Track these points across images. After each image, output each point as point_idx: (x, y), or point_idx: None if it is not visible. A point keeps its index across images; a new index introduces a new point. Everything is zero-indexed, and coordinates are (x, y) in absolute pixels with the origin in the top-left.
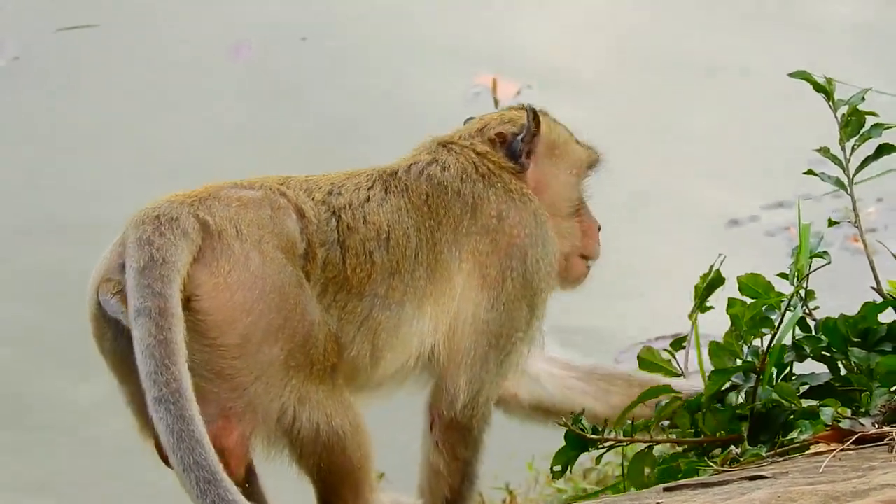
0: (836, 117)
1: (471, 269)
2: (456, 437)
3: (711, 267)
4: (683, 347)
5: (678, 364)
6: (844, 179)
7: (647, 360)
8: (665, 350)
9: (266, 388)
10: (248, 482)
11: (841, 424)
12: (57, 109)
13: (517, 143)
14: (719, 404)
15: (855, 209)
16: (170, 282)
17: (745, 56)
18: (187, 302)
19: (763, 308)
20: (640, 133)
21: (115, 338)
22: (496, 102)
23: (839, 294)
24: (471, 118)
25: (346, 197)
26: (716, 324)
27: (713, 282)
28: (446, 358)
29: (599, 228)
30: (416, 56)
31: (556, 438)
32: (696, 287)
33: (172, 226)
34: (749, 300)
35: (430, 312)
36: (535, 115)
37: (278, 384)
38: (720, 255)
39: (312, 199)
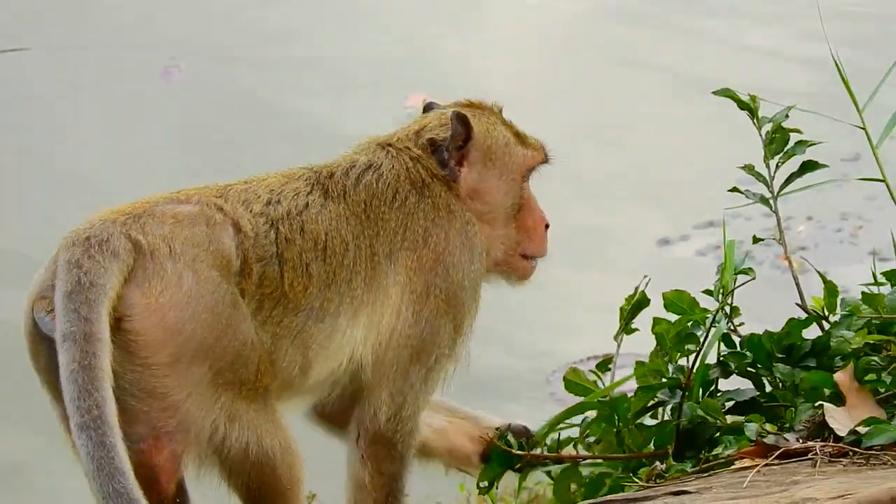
0: (760, 135)
1: (403, 282)
2: (381, 451)
3: (637, 288)
4: (609, 369)
5: (604, 384)
6: (770, 197)
7: (573, 381)
8: (591, 371)
9: (197, 406)
10: (179, 499)
11: (765, 440)
12: None
13: (446, 152)
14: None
15: (779, 226)
16: (96, 305)
17: (676, 76)
18: (119, 322)
19: (688, 324)
20: (569, 154)
21: (49, 355)
22: None
23: (769, 311)
24: (431, 104)
25: (285, 205)
26: (647, 344)
27: (638, 303)
28: (371, 370)
29: (547, 226)
30: (348, 77)
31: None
32: (622, 309)
33: (102, 248)
34: (674, 317)
35: (364, 322)
36: (464, 123)
37: (208, 402)
38: (645, 276)
39: (251, 211)
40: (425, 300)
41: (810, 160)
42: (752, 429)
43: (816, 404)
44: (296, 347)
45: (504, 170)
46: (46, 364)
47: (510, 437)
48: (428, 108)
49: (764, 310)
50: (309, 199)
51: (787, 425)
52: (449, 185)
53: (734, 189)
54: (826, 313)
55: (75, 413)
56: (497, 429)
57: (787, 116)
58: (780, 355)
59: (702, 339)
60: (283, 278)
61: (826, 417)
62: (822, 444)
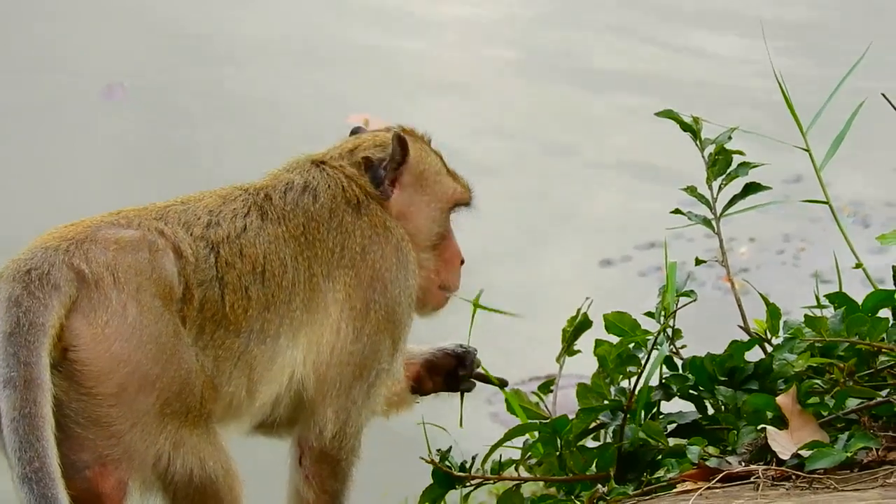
0: (702, 156)
1: (343, 300)
2: (325, 469)
3: (579, 310)
4: (551, 391)
5: (546, 407)
6: (712, 219)
7: (515, 403)
8: (533, 392)
9: (142, 435)
10: None
11: (708, 463)
12: None
13: (380, 172)
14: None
15: (722, 248)
16: (36, 348)
17: (611, 89)
18: (65, 352)
19: (630, 346)
20: (511, 174)
21: None
22: None
23: (710, 333)
24: (358, 128)
25: (224, 228)
26: (590, 366)
27: (580, 325)
28: (314, 388)
29: (462, 262)
30: (289, 96)
31: (428, 477)
32: (564, 330)
33: (43, 282)
34: (616, 338)
35: (304, 342)
36: (401, 144)
37: (154, 432)
38: (587, 298)
39: (191, 234)
40: (365, 316)
41: (753, 182)
42: (694, 452)
43: (759, 427)
44: (240, 370)
45: (433, 197)
46: None
47: (451, 459)
48: (355, 131)
49: (706, 332)
50: (247, 222)
51: (730, 448)
52: (383, 204)
53: (676, 210)
54: (769, 336)
55: (17, 464)
56: (438, 450)
57: (730, 138)
58: (722, 378)
59: (643, 362)
60: (223, 301)
61: (769, 440)
62: (765, 467)
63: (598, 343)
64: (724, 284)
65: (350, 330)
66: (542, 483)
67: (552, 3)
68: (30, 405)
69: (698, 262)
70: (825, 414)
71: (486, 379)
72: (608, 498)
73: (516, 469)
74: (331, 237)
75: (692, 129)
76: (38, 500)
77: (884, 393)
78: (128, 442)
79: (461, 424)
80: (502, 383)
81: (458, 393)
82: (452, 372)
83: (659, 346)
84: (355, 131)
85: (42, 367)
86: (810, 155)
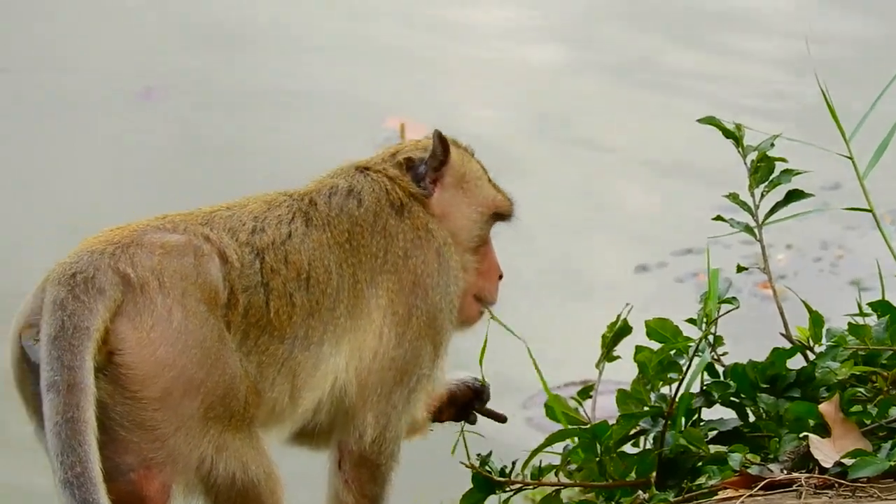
0: (745, 163)
1: (385, 305)
2: (365, 473)
3: (619, 316)
4: (590, 396)
5: (585, 412)
6: (754, 226)
7: (554, 408)
8: (572, 398)
9: (186, 439)
10: None
11: (749, 470)
12: None
13: (422, 168)
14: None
15: (764, 255)
16: (80, 352)
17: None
18: (110, 356)
19: (671, 353)
20: (544, 177)
21: (36, 383)
22: None
23: (747, 340)
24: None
25: (270, 234)
26: (627, 372)
27: (620, 331)
28: (356, 393)
29: (501, 277)
30: (326, 99)
31: (465, 482)
32: (604, 336)
33: (88, 286)
34: (657, 345)
35: (347, 349)
36: (442, 142)
37: (198, 435)
38: (627, 304)
39: (236, 240)
40: (407, 322)
41: (796, 189)
42: (735, 459)
43: (801, 435)
44: (283, 376)
45: (474, 200)
46: (33, 392)
47: (491, 464)
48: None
49: (743, 338)
50: (291, 228)
51: (771, 456)
52: (425, 205)
53: (719, 217)
54: (811, 343)
55: (59, 469)
56: (478, 455)
57: (772, 145)
58: (764, 385)
59: (685, 368)
60: (268, 307)
61: (811, 448)
62: (808, 475)
63: (639, 349)
64: (761, 291)
65: (392, 335)
66: (581, 489)
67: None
68: (73, 409)
69: (740, 269)
70: (868, 422)
71: (492, 414)
72: None
73: (556, 475)
74: (374, 242)
75: (734, 136)
76: None
77: None
78: (172, 445)
79: (453, 452)
80: (503, 419)
81: (462, 423)
82: (468, 404)
83: (701, 353)
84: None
85: (86, 371)
86: (853, 163)
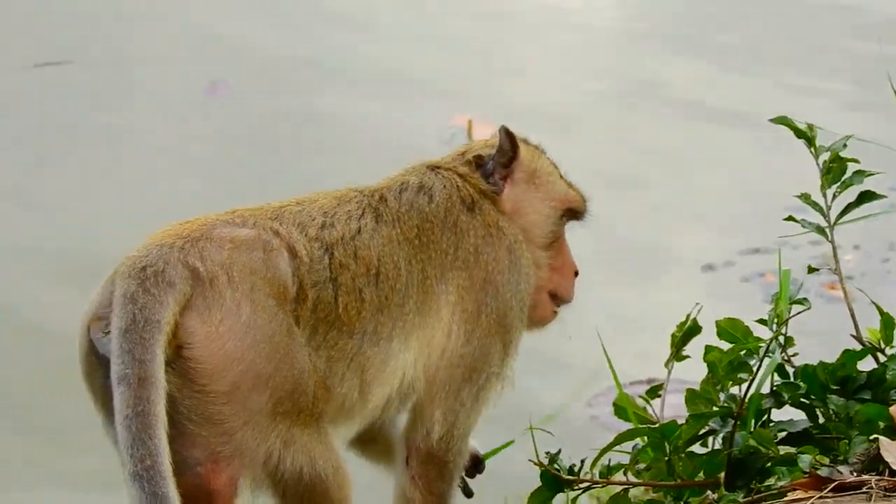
0: (817, 164)
1: (455, 301)
2: (432, 470)
3: (688, 316)
4: (659, 396)
5: (653, 411)
6: (826, 227)
7: (623, 407)
8: (640, 397)
9: (254, 433)
10: None
11: (819, 471)
12: (34, 144)
13: (490, 164)
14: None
15: (835, 256)
16: (151, 345)
17: (727, 101)
18: (179, 349)
19: (741, 353)
20: (618, 178)
21: (105, 376)
22: None
23: (814, 341)
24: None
25: (339, 230)
26: (694, 371)
27: (690, 330)
28: (424, 390)
29: (577, 273)
30: (394, 98)
31: (530, 480)
32: (673, 335)
33: (158, 279)
34: (727, 345)
35: (415, 345)
36: (510, 137)
37: (266, 430)
38: (697, 303)
39: (306, 235)
40: (477, 319)
41: (868, 191)
42: (805, 460)
43: (871, 437)
44: (352, 371)
45: (546, 195)
46: (102, 384)
47: (560, 462)
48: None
49: (811, 339)
50: (361, 224)
51: (841, 458)
52: (495, 202)
53: (790, 218)
54: (882, 345)
55: (129, 462)
56: (547, 452)
57: (844, 146)
58: (834, 387)
59: (755, 369)
60: (337, 302)
61: (881, 451)
62: (878, 477)
63: (709, 349)
64: (828, 292)
65: (461, 333)
66: (649, 488)
67: None
68: (143, 403)
69: (811, 270)
70: None
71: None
72: None
73: (624, 474)
74: (444, 238)
75: (807, 137)
76: (149, 497)
77: None
78: (239, 439)
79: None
80: (469, 494)
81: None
82: (467, 471)
83: (771, 354)
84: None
85: (157, 364)
86: None
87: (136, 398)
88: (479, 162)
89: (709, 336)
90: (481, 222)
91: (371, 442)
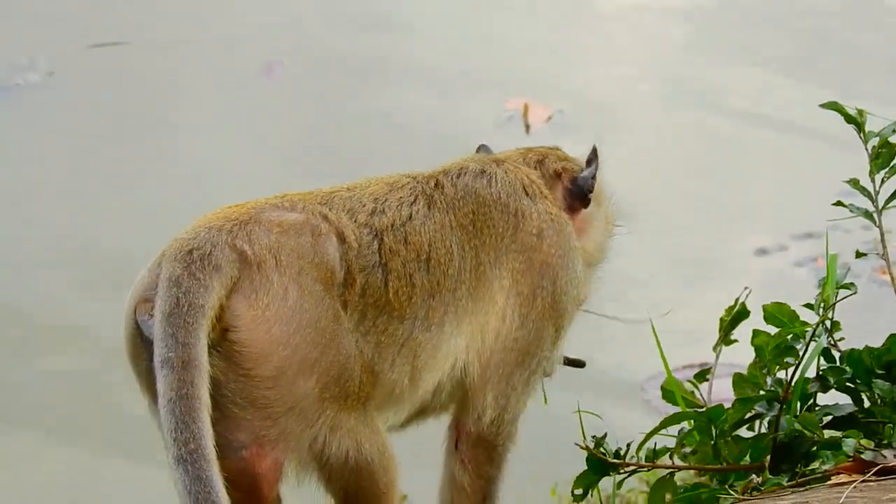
0: (866, 149)
1: (509, 285)
2: (482, 454)
3: (737, 300)
4: (707, 379)
5: (701, 395)
6: (873, 211)
7: (670, 391)
8: (689, 381)
9: (299, 418)
10: None
11: (863, 455)
12: (90, 126)
13: (590, 182)
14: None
15: (883, 241)
16: (195, 329)
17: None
18: (225, 333)
19: (788, 337)
20: (670, 161)
21: (150, 358)
22: (527, 128)
23: (865, 326)
24: (483, 146)
25: (389, 216)
26: (744, 355)
27: (738, 314)
28: (477, 374)
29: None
30: (450, 80)
31: (578, 463)
32: (721, 320)
33: (204, 262)
34: (774, 329)
35: (468, 331)
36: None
37: (312, 415)
38: (746, 287)
39: (355, 220)
40: (532, 302)
41: None
42: (849, 444)
43: None
44: (403, 357)
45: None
46: (147, 367)
47: (606, 445)
48: (480, 149)
49: (861, 324)
50: (413, 210)
51: (885, 442)
52: (553, 201)
53: (838, 202)
54: None
55: (172, 445)
56: (593, 436)
57: (894, 131)
58: (880, 371)
59: (801, 353)
60: (387, 287)
61: None
62: None
63: (756, 333)
64: (881, 277)
65: (516, 316)
66: (695, 472)
67: None
68: (187, 386)
69: (858, 255)
70: None
71: (572, 362)
72: (762, 488)
73: (670, 457)
74: (502, 221)
75: (856, 122)
76: (192, 481)
77: None
78: (284, 424)
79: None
80: (582, 364)
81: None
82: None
83: (817, 338)
84: (480, 149)
85: (200, 348)
86: None
87: (180, 381)
88: (572, 178)
89: (759, 321)
90: (544, 209)
91: None
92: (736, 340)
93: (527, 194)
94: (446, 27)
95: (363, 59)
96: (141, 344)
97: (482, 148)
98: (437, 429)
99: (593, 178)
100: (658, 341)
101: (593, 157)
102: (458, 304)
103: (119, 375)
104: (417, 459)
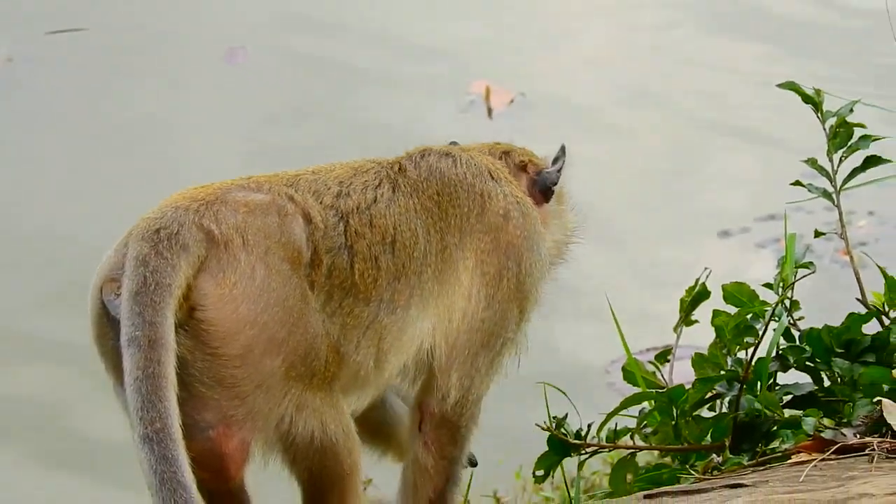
0: (824, 129)
1: (473, 266)
2: (445, 435)
3: (697, 280)
4: (668, 361)
5: (663, 376)
6: (832, 191)
7: (632, 373)
8: (650, 362)
9: (266, 397)
10: (241, 489)
11: (823, 434)
12: (49, 112)
13: (552, 174)
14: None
15: (841, 221)
16: (161, 308)
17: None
18: (192, 312)
19: (747, 317)
20: (632, 143)
21: (116, 338)
22: (489, 111)
23: (827, 306)
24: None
25: (355, 199)
26: (706, 338)
27: (698, 295)
28: (442, 355)
29: None
30: (411, 64)
31: (543, 446)
32: (682, 300)
33: (171, 242)
34: (733, 309)
35: (434, 313)
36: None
37: (278, 394)
38: (706, 268)
39: (321, 202)
40: (497, 283)
41: (874, 155)
42: (809, 423)
43: (875, 400)
44: (368, 339)
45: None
46: (113, 347)
47: (567, 426)
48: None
49: (823, 304)
50: (377, 193)
51: (845, 420)
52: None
53: (797, 182)
54: (886, 309)
55: (138, 424)
56: (554, 417)
57: (851, 111)
58: (839, 350)
59: (761, 333)
60: (353, 269)
61: (884, 413)
62: (880, 439)
63: (716, 313)
64: (842, 258)
65: (482, 297)
66: (656, 452)
67: None
68: (154, 365)
69: (817, 234)
70: None
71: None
72: (723, 468)
73: (631, 438)
74: (468, 200)
75: (814, 102)
76: (158, 460)
77: None
78: (251, 403)
79: None
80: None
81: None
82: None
83: (777, 318)
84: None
85: (167, 327)
86: None
87: (147, 360)
88: (536, 170)
89: (720, 302)
90: (510, 191)
91: (375, 432)
92: (696, 321)
93: (492, 177)
94: (408, 11)
95: (323, 41)
96: (107, 323)
97: (451, 144)
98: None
99: (559, 172)
100: (616, 321)
101: (561, 155)
102: (424, 286)
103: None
104: None
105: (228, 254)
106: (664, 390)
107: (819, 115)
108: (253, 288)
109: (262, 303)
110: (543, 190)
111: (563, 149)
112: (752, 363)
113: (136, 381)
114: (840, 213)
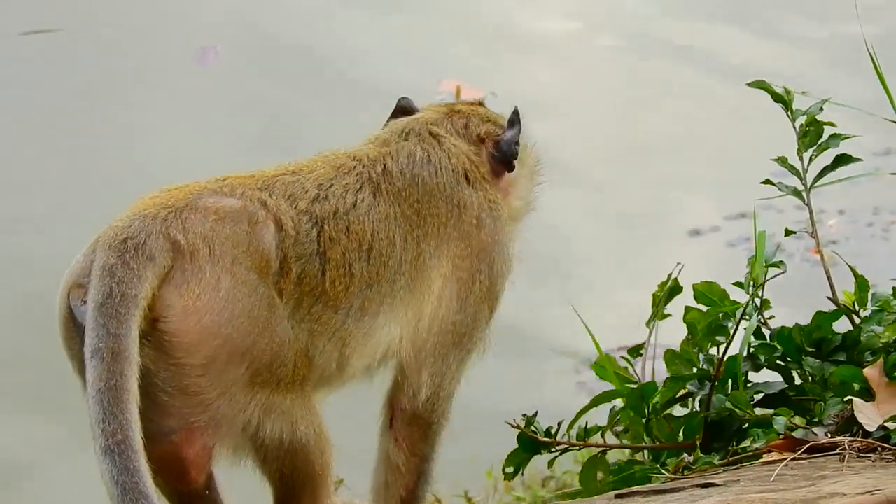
0: (794, 127)
1: (448, 273)
2: (416, 432)
3: (670, 275)
4: (641, 355)
5: (635, 372)
6: (802, 190)
7: (603, 367)
8: (623, 357)
9: (230, 403)
10: (207, 488)
11: (794, 433)
12: (21, 112)
13: (514, 149)
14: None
15: (812, 219)
16: (126, 320)
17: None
18: (155, 322)
19: (719, 316)
20: (603, 142)
21: (83, 343)
22: None
23: (798, 305)
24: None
25: (332, 203)
26: (679, 335)
27: (671, 290)
28: (411, 355)
29: None
30: (382, 61)
31: (514, 444)
32: (654, 295)
33: (138, 252)
34: (705, 308)
35: (403, 320)
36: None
37: (243, 400)
38: (678, 263)
39: (295, 207)
40: (470, 287)
41: (844, 154)
42: (780, 422)
43: (845, 399)
44: (333, 344)
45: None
46: (80, 351)
47: (537, 424)
48: (401, 101)
49: (794, 303)
50: (358, 198)
51: (816, 419)
52: (492, 181)
53: (767, 181)
54: (857, 308)
55: (100, 436)
56: (523, 415)
57: (821, 109)
58: (809, 349)
59: (732, 332)
60: (324, 276)
61: (855, 412)
62: (851, 439)
63: (688, 310)
64: (813, 256)
65: (454, 301)
66: (627, 451)
67: None
68: (116, 377)
69: (788, 232)
70: None
71: None
72: (694, 467)
73: (602, 436)
74: (445, 210)
75: (784, 100)
76: (119, 471)
77: None
78: (215, 409)
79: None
80: None
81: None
82: None
83: (748, 317)
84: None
85: (131, 339)
86: None
87: (109, 372)
88: (495, 143)
89: (692, 300)
90: (483, 197)
91: None
92: (669, 315)
93: (468, 182)
94: (378, 10)
95: (299, 41)
96: (74, 328)
97: (403, 100)
98: (373, 413)
99: (516, 143)
100: (582, 320)
101: (515, 119)
102: (396, 294)
103: None
104: (353, 444)
105: (194, 264)
106: (636, 387)
107: (789, 113)
108: (217, 299)
109: (227, 314)
110: (505, 162)
111: (516, 111)
112: (724, 362)
113: (98, 393)
114: (811, 212)
